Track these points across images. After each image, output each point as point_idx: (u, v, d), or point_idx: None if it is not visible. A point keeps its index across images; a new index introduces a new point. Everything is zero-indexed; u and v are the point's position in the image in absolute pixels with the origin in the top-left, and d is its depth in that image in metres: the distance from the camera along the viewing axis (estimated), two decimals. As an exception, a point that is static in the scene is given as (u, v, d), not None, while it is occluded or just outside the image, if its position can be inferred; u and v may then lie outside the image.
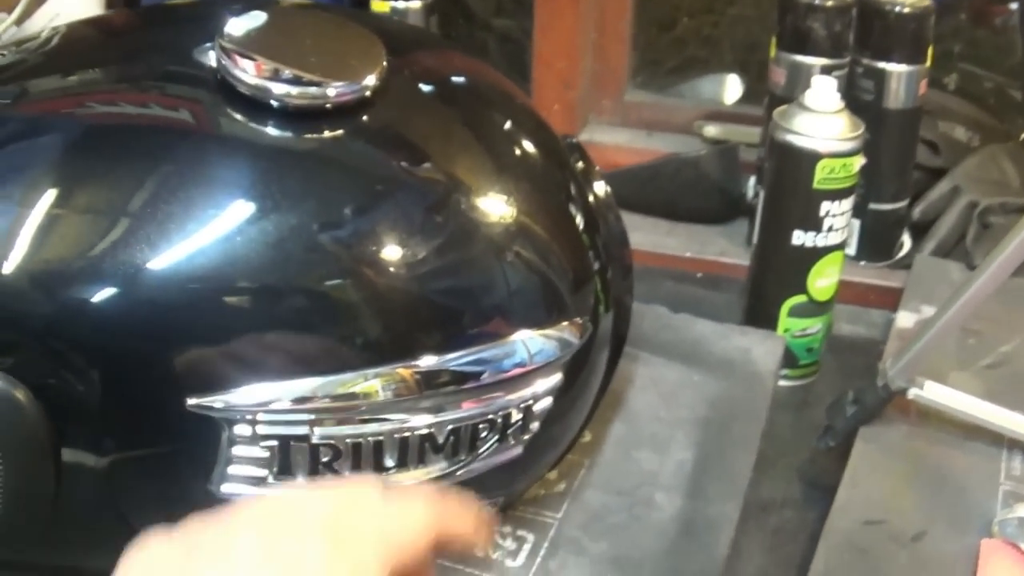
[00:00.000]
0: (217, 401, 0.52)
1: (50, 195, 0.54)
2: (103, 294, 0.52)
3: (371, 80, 0.58)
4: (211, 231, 0.53)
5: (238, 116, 0.58)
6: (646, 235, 1.11)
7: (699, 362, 0.85)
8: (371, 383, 0.54)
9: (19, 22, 1.31)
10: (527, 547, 0.68)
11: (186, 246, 0.53)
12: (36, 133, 0.59)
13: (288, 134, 0.58)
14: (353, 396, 0.54)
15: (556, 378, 0.60)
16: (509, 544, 0.68)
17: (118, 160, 0.56)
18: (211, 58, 0.60)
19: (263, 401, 0.53)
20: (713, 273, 1.09)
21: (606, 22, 1.21)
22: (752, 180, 1.11)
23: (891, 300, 1.05)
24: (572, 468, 0.74)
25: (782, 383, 0.90)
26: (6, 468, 0.52)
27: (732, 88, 1.32)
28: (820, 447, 0.82)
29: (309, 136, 0.58)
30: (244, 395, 0.52)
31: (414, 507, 0.41)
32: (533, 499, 0.71)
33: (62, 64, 0.64)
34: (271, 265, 0.54)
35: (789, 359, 0.91)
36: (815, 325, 0.92)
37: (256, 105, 0.57)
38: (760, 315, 0.92)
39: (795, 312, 0.91)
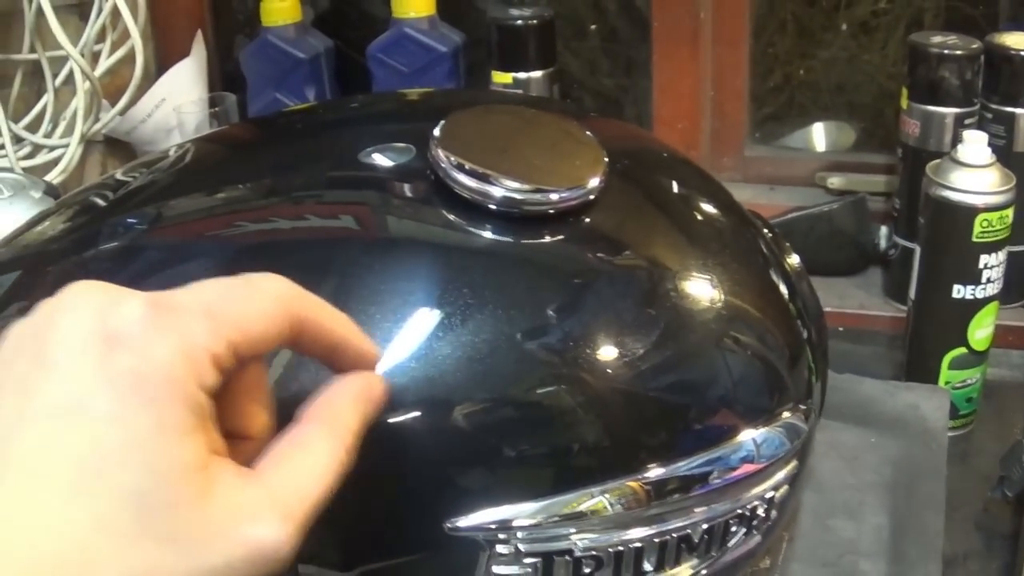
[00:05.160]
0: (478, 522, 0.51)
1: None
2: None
3: (595, 183, 0.57)
4: (432, 346, 0.51)
5: (451, 218, 0.56)
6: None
7: (872, 423, 0.86)
8: (598, 500, 0.52)
9: (123, 111, 1.34)
10: (747, 628, 0.68)
11: (412, 365, 0.51)
12: (180, 259, 0.57)
13: (507, 239, 0.57)
14: (580, 515, 0.52)
15: (793, 464, 0.60)
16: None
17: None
18: (380, 161, 0.60)
19: (528, 519, 0.52)
20: (854, 326, 1.09)
21: (723, 79, 1.22)
22: (883, 230, 1.12)
23: (1030, 340, 1.05)
24: (775, 543, 0.74)
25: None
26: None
27: (838, 135, 1.33)
28: (997, 498, 0.82)
29: (528, 242, 0.57)
30: (503, 514, 0.51)
31: (261, 284, 0.37)
32: (742, 577, 0.71)
33: (199, 183, 0.63)
34: (503, 381, 0.52)
35: (951, 410, 0.91)
36: (974, 375, 0.92)
37: (468, 208, 0.56)
38: (920, 369, 0.93)
39: (956, 364, 0.91)
